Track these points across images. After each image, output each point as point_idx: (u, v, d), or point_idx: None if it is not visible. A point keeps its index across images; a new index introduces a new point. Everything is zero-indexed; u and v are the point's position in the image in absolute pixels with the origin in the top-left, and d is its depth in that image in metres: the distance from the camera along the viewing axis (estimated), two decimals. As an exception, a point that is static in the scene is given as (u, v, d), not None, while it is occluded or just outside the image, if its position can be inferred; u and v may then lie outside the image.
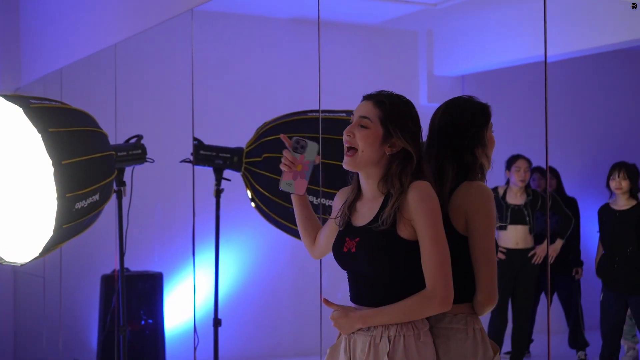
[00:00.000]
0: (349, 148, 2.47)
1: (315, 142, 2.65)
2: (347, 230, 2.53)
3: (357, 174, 2.55)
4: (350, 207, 2.55)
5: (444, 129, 2.59)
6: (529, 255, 5.82)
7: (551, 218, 5.94)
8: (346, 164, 2.49)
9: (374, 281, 2.45)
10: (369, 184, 2.51)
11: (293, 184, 2.64)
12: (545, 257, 3.09)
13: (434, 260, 2.36)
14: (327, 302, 2.52)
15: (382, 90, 2.52)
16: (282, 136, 2.69)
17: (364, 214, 2.50)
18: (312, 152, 2.63)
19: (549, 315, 3.06)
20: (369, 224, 2.46)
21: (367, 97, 2.51)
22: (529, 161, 5.85)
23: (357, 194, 2.56)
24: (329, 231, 2.69)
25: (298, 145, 2.63)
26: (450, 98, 2.65)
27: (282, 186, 2.66)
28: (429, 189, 2.40)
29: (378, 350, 2.40)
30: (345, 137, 2.48)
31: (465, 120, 2.58)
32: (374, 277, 2.44)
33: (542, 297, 6.04)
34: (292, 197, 2.72)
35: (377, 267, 2.42)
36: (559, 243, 5.83)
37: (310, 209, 2.77)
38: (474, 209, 2.47)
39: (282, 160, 2.64)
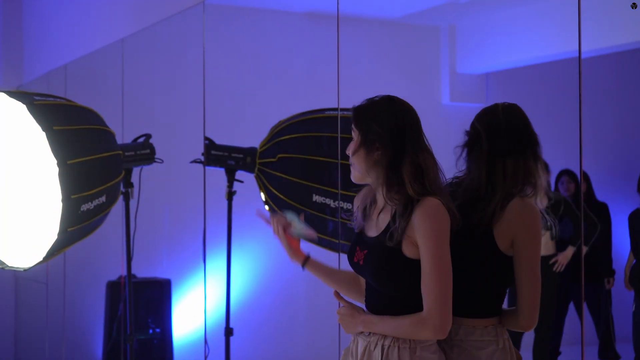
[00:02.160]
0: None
1: (290, 213, 2.72)
2: (359, 238, 2.56)
3: None
4: (365, 211, 2.56)
5: (495, 131, 2.55)
6: (550, 262, 5.70)
7: (566, 224, 5.81)
8: (352, 179, 2.54)
9: (380, 292, 2.48)
10: (378, 194, 2.51)
11: (303, 227, 2.69)
12: (579, 266, 3.03)
13: (431, 286, 2.34)
14: (337, 295, 2.61)
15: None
16: (257, 213, 2.82)
17: (377, 224, 2.51)
18: (292, 216, 2.69)
19: (583, 327, 3.01)
20: (378, 236, 2.46)
21: None
22: (545, 164, 5.70)
23: (373, 198, 2.56)
24: None
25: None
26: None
27: (297, 232, 2.69)
28: (437, 207, 2.35)
29: (371, 357, 2.44)
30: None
31: (522, 120, 2.58)
32: (379, 290, 2.48)
33: (571, 307, 5.91)
34: (307, 267, 2.72)
35: (382, 284, 2.45)
36: (570, 250, 5.72)
37: (327, 266, 2.75)
38: (525, 231, 2.49)
39: (277, 225, 2.68)
